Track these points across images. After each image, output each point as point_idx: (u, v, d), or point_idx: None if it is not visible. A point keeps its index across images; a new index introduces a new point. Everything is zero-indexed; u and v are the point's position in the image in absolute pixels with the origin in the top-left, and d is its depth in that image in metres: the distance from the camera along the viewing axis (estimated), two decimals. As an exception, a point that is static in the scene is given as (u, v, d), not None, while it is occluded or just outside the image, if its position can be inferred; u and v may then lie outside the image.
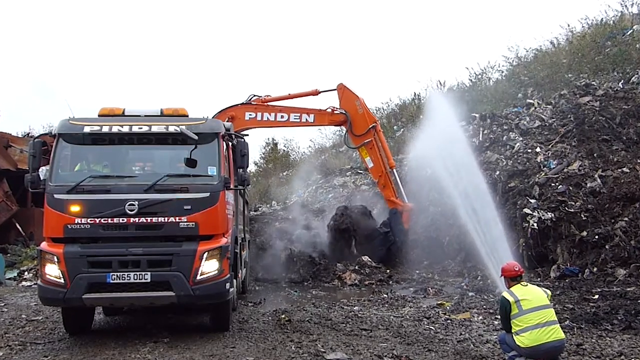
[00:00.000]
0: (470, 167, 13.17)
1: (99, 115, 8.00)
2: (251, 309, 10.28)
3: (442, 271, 14.21)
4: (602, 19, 21.70)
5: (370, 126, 14.25)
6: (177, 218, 7.17)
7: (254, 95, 14.81)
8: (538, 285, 7.08)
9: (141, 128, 7.52)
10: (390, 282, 13.33)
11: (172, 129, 7.48)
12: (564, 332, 6.00)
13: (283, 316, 9.06)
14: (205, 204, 7.29)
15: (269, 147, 34.45)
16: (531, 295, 5.85)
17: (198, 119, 7.95)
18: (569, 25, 23.21)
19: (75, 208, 7.05)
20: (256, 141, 36.63)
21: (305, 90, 14.94)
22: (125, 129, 7.50)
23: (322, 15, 79.16)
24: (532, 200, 13.41)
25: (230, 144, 8.19)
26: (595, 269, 11.73)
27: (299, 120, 14.50)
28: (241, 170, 8.03)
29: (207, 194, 7.34)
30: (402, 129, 25.05)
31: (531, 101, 18.06)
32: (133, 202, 7.07)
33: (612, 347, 7.03)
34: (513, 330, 5.82)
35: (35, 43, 74.05)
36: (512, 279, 6.08)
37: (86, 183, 7.19)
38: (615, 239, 11.91)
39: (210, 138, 7.66)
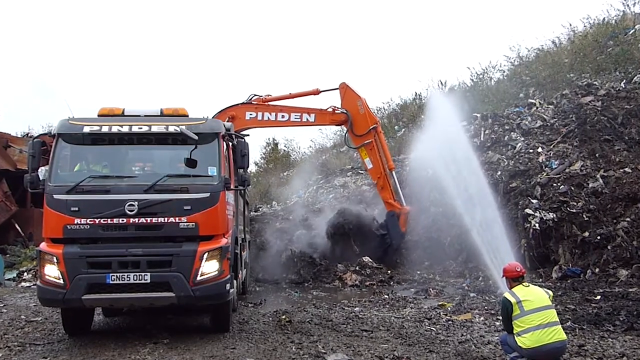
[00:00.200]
0: (471, 167, 13.13)
1: (98, 115, 7.97)
2: (251, 309, 10.26)
3: (444, 272, 14.18)
4: (604, 18, 21.68)
5: (371, 127, 14.19)
6: (177, 218, 7.14)
7: (255, 95, 14.76)
8: (540, 286, 7.03)
9: (141, 128, 7.49)
10: (391, 283, 13.31)
11: (172, 129, 7.45)
12: (565, 333, 5.96)
13: (283, 317, 9.03)
14: (206, 205, 7.26)
15: (270, 147, 34.43)
16: (533, 296, 5.83)
17: (198, 119, 7.92)
18: (570, 25, 23.21)
19: (74, 208, 7.03)
20: (257, 141, 36.65)
21: (306, 90, 14.90)
22: (125, 129, 7.47)
23: (323, 14, 79.27)
24: (534, 201, 13.38)
25: (230, 144, 8.16)
26: (597, 270, 11.70)
27: (299, 119, 14.43)
28: (241, 170, 8.02)
29: (207, 195, 7.31)
30: (403, 129, 25.00)
31: (533, 101, 18.03)
32: (133, 203, 7.04)
33: (614, 348, 7.01)
34: (515, 331, 5.79)
35: (35, 43, 74.30)
36: (514, 279, 6.06)
37: (86, 183, 7.16)
38: (617, 239, 11.89)
39: (210, 138, 7.63)
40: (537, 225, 12.80)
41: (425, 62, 58.33)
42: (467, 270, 13.62)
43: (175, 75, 74.42)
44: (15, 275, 14.92)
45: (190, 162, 7.28)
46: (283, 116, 14.39)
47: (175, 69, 75.48)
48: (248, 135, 13.21)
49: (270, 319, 9.14)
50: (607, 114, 14.78)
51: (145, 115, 7.88)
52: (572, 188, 13.18)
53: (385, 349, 7.10)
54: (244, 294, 11.54)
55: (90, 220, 7.01)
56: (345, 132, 15.48)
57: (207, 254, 7.14)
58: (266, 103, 14.67)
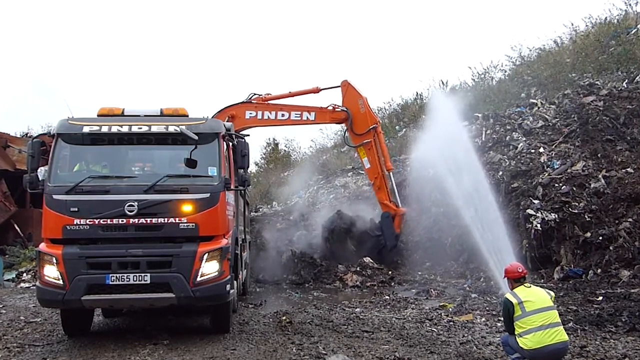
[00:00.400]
0: (473, 167, 13.09)
1: (98, 115, 7.96)
2: (252, 310, 10.23)
3: (445, 272, 14.14)
4: (606, 17, 21.60)
5: (371, 127, 14.14)
6: (177, 219, 7.12)
7: (254, 94, 14.72)
8: (541, 286, 7.02)
9: (141, 128, 7.48)
10: (392, 284, 13.28)
11: (172, 129, 7.44)
12: (567, 334, 5.94)
13: (284, 318, 9.00)
14: (206, 205, 7.24)
15: (270, 147, 34.38)
16: (535, 297, 5.80)
17: (198, 119, 7.91)
18: (572, 25, 23.14)
19: (74, 209, 7.01)
20: (257, 141, 36.61)
21: (306, 88, 14.85)
22: (125, 129, 7.46)
23: (323, 14, 79.26)
24: (536, 201, 13.33)
25: (230, 144, 8.14)
26: (599, 270, 11.65)
27: (299, 118, 14.38)
28: (242, 170, 8.00)
29: (208, 195, 7.29)
30: (404, 129, 24.96)
31: (534, 101, 17.98)
32: (132, 203, 7.02)
33: (616, 349, 6.98)
34: (516, 332, 5.77)
35: (35, 42, 74.30)
36: (516, 280, 6.03)
37: (85, 183, 7.14)
38: (619, 240, 11.83)
39: (210, 138, 7.62)
40: (538, 225, 12.76)
41: (426, 62, 58.31)
42: (469, 271, 13.58)
43: (175, 75, 74.48)
44: (14, 276, 14.92)
45: (190, 162, 7.26)
46: (283, 115, 14.33)
47: (175, 69, 75.55)
48: (248, 135, 13.15)
49: (271, 319, 9.11)
50: (609, 114, 14.74)
51: (145, 115, 7.87)
52: (574, 188, 13.14)
53: (386, 350, 7.07)
54: (244, 294, 11.51)
55: (89, 221, 6.99)
56: (345, 130, 15.46)
57: (207, 254, 7.12)
58: (266, 102, 14.63)
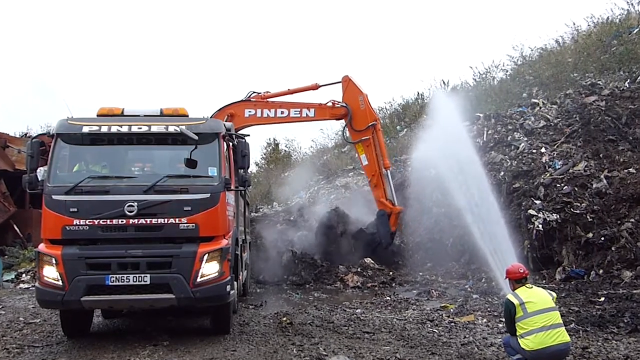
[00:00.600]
0: (474, 167, 13.05)
1: (97, 115, 7.94)
2: (252, 311, 10.20)
3: (446, 273, 14.10)
4: (608, 17, 21.62)
5: (370, 124, 14.10)
6: (177, 219, 7.10)
7: (253, 92, 14.67)
8: (543, 287, 6.97)
9: (140, 128, 7.46)
10: (393, 285, 13.24)
11: (172, 129, 7.42)
12: (569, 335, 5.92)
13: (284, 319, 8.97)
14: (206, 205, 7.22)
15: (270, 148, 34.40)
16: (536, 298, 5.78)
17: (198, 118, 7.88)
18: (574, 24, 23.14)
19: (73, 209, 6.98)
20: (257, 141, 36.63)
21: (305, 85, 14.81)
22: (125, 129, 7.44)
23: (324, 13, 79.20)
24: (537, 201, 13.29)
25: (230, 144, 8.12)
26: (601, 271, 11.60)
27: (299, 115, 14.33)
28: (242, 170, 7.99)
29: (208, 195, 7.26)
30: (405, 129, 24.95)
31: (536, 101, 17.94)
32: (132, 203, 7.00)
33: (618, 351, 6.96)
34: (518, 333, 5.75)
35: (35, 42, 74.21)
36: (517, 281, 6.01)
37: (85, 184, 7.12)
38: (621, 240, 11.79)
39: (210, 138, 7.59)
40: (540, 226, 12.71)
41: (427, 62, 58.15)
42: (470, 271, 13.54)
43: (175, 75, 74.43)
44: (13, 276, 14.90)
45: (190, 163, 7.24)
46: (282, 112, 14.27)
47: (175, 69, 75.51)
48: (249, 135, 13.12)
49: (271, 320, 9.08)
50: (611, 113, 14.69)
51: (145, 115, 7.85)
52: (576, 189, 13.09)
53: (387, 351, 7.05)
54: (245, 295, 11.49)
55: (89, 221, 6.97)
56: (344, 126, 15.42)
57: (207, 255, 7.10)
58: (265, 100, 14.58)
